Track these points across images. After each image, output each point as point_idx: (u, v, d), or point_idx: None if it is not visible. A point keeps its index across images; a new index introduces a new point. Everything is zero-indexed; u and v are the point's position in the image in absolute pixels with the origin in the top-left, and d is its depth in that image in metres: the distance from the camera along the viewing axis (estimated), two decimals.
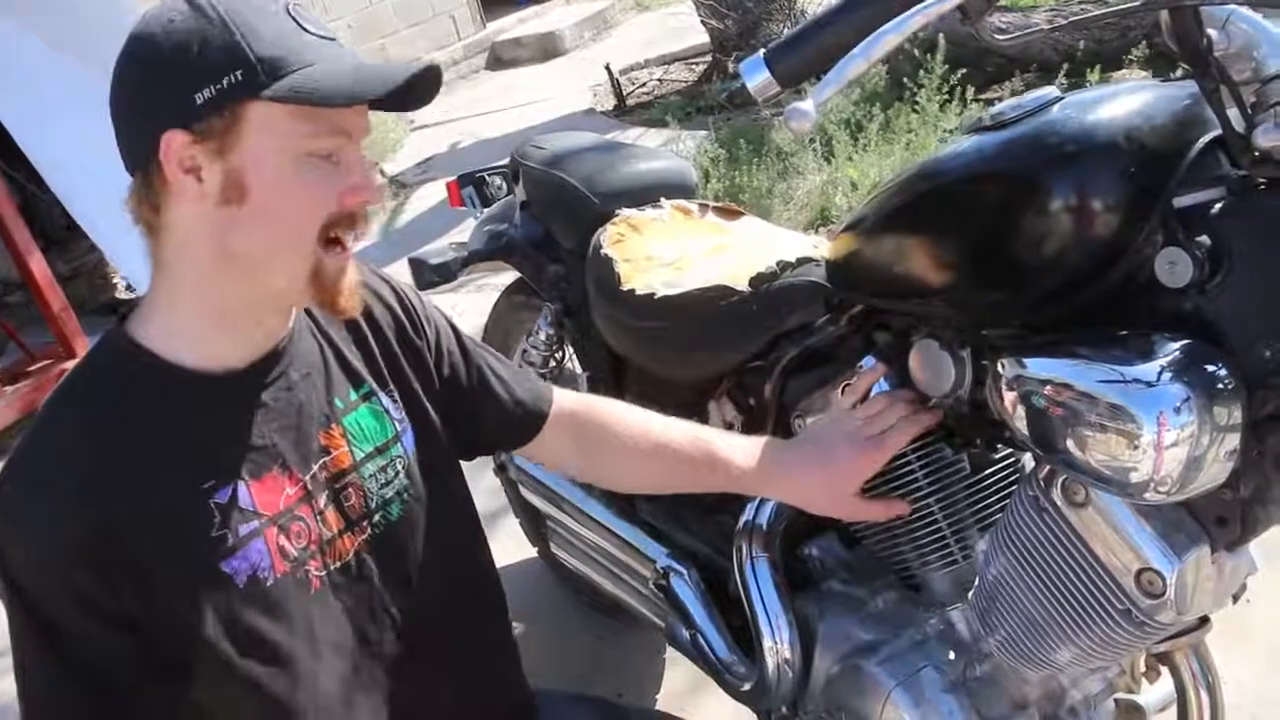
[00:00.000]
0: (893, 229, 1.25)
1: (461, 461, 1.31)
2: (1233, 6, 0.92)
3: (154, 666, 1.00)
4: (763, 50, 0.96)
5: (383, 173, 6.22)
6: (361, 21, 7.47)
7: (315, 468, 1.10)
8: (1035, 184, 1.07)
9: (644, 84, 6.82)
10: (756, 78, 0.96)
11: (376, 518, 1.15)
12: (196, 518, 1.00)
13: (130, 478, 0.98)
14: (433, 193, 5.61)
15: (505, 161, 2.16)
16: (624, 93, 6.55)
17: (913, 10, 0.86)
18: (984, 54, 4.52)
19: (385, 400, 1.18)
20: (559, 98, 6.99)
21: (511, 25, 8.88)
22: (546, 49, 8.39)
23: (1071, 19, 1.11)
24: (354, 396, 1.15)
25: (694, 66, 6.84)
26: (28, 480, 0.98)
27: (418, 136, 6.97)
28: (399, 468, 1.17)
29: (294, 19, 0.98)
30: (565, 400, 1.39)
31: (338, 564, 1.11)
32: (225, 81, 0.94)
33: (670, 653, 2.15)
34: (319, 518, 1.09)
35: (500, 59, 8.57)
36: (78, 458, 0.98)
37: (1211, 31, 0.94)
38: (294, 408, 1.09)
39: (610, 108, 6.54)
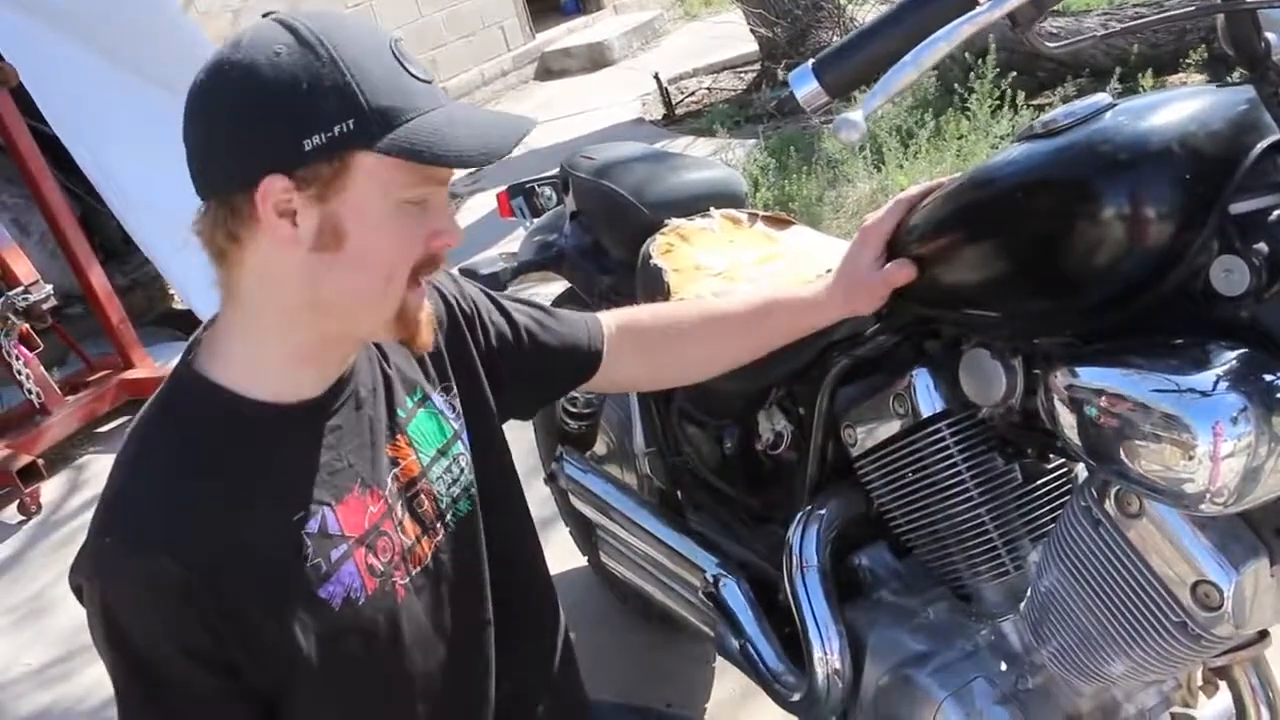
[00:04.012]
0: (943, 237, 1.25)
1: (529, 419, 1.36)
2: None
3: (255, 704, 1.01)
4: (811, 60, 0.96)
5: None
6: (411, 33, 7.54)
7: (390, 481, 1.11)
8: (1088, 191, 1.06)
9: (693, 93, 6.83)
10: (805, 88, 0.97)
11: (448, 517, 1.16)
12: (292, 551, 1.01)
13: (226, 521, 0.98)
14: (483, 203, 5.65)
15: (555, 172, 2.18)
16: (673, 102, 6.56)
17: (962, 19, 0.86)
18: (1035, 59, 4.48)
19: (440, 401, 1.20)
20: (608, 107, 7.02)
21: (561, 36, 8.94)
22: (595, 59, 8.43)
23: (1123, 25, 1.10)
24: (411, 403, 1.16)
25: (743, 75, 6.83)
26: (126, 534, 0.96)
27: None
28: (462, 465, 1.19)
29: (399, 59, 0.95)
30: (610, 322, 1.40)
31: (418, 569, 1.12)
32: (337, 130, 0.91)
33: (719, 662, 2.15)
34: (399, 528, 1.10)
35: (549, 69, 8.63)
36: (174, 507, 0.97)
37: (1270, 35, 0.93)
38: (365, 426, 1.09)
39: (659, 117, 6.56)
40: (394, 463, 1.12)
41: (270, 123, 0.91)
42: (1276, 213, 0.97)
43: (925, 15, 0.90)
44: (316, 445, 1.05)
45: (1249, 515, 1.02)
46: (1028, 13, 0.87)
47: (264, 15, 0.97)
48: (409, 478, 1.13)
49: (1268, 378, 0.94)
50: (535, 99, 8.01)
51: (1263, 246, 0.96)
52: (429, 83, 0.98)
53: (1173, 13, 0.98)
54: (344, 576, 1.03)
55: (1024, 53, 4.16)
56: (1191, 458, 0.94)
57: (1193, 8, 0.91)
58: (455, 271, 2.11)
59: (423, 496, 1.14)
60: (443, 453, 1.18)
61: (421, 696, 1.13)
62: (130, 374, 4.18)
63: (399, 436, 1.13)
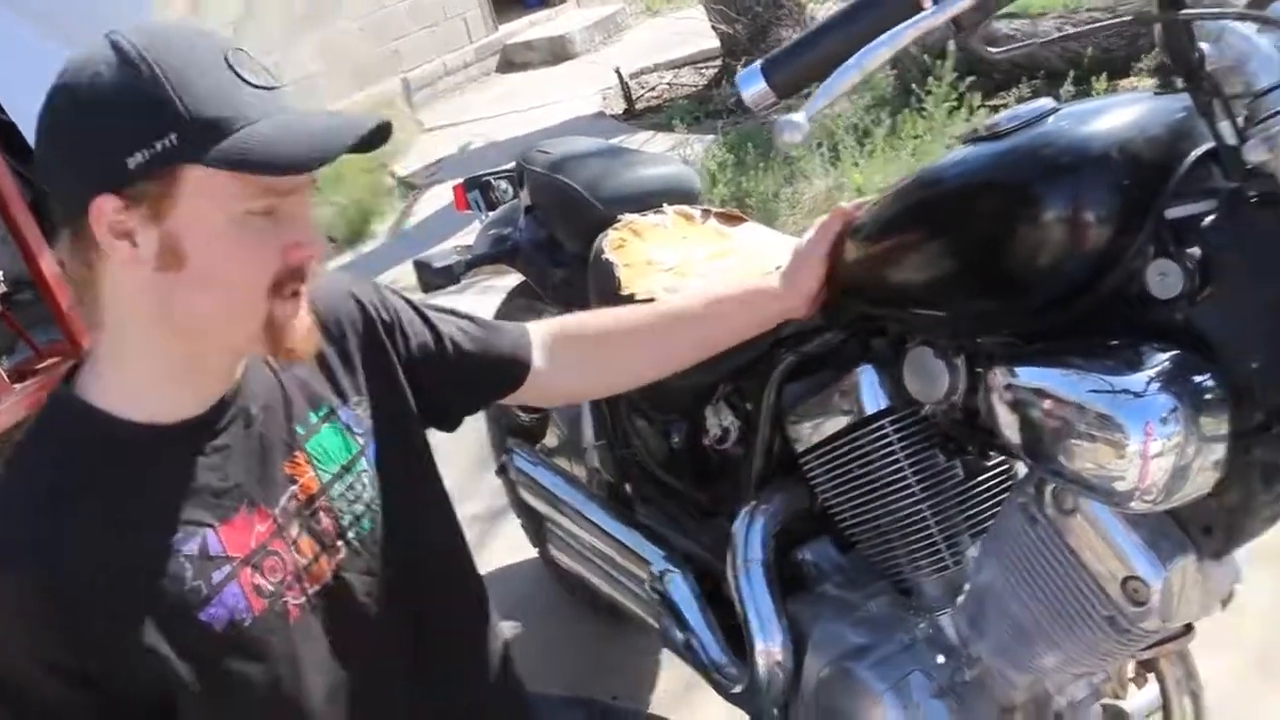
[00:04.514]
0: (890, 237, 1.27)
1: (452, 432, 1.33)
2: (1225, 21, 0.93)
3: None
4: (759, 61, 0.97)
5: (393, 174, 6.24)
6: (373, 24, 7.50)
7: (284, 499, 1.07)
8: (1030, 194, 1.08)
9: (653, 88, 6.84)
10: (753, 88, 0.98)
11: (350, 535, 1.12)
12: (169, 573, 0.98)
13: (99, 541, 0.96)
14: (442, 194, 5.62)
15: (511, 166, 2.18)
16: (633, 96, 6.57)
17: (906, 24, 0.87)
18: (989, 61, 4.53)
19: (348, 415, 1.16)
20: (569, 101, 7.01)
21: (523, 28, 8.91)
22: (557, 52, 8.41)
23: (1063, 33, 1.12)
24: (315, 419, 1.13)
25: (703, 71, 6.85)
26: None
27: (427, 138, 7.00)
28: (365, 482, 1.15)
29: (232, 69, 0.93)
30: (548, 333, 1.38)
31: (316, 588, 1.09)
32: (160, 145, 0.89)
33: (665, 655, 2.16)
34: (293, 547, 1.07)
35: (511, 62, 8.60)
36: (45, 525, 0.95)
37: (1204, 45, 0.95)
38: (255, 443, 1.06)
39: (619, 111, 6.56)
40: (291, 480, 1.09)
41: (93, 143, 0.91)
42: (1210, 218, 0.99)
43: (870, 19, 0.91)
44: (199, 466, 1.02)
45: (1177, 513, 1.04)
46: (971, 18, 0.88)
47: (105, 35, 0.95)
48: (307, 495, 1.10)
49: (1197, 379, 0.96)
50: (496, 91, 7.99)
51: (1196, 251, 0.98)
52: (272, 89, 0.95)
53: (1108, 22, 1.00)
54: (227, 598, 1.00)
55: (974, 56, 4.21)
56: (1123, 456, 0.96)
57: (1129, 18, 0.93)
58: (413, 264, 2.12)
59: (321, 514, 1.10)
60: (346, 469, 1.14)
61: (327, 716, 1.10)
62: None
63: (297, 454, 1.10)
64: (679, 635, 1.63)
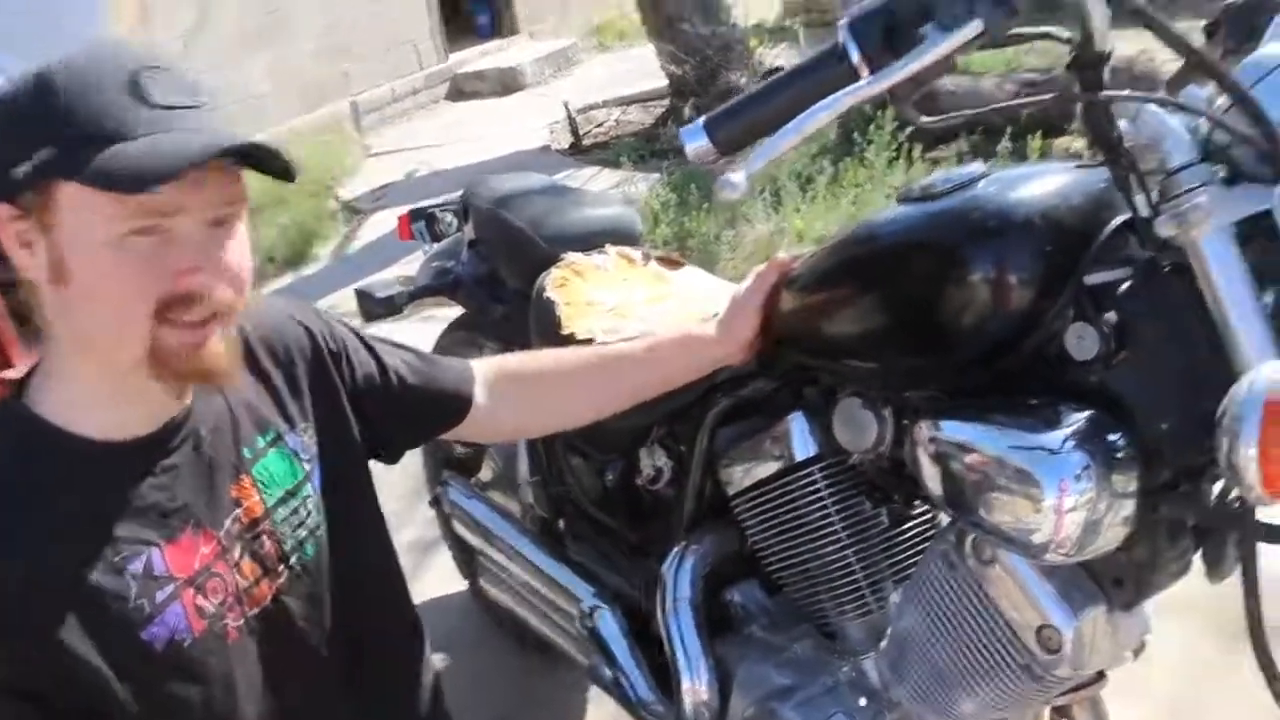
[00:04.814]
0: (824, 290, 1.30)
1: (394, 464, 1.33)
2: (1139, 105, 0.98)
3: None
4: (703, 117, 1.00)
5: (337, 198, 6.22)
6: (325, 46, 7.49)
7: (228, 522, 1.08)
8: (958, 255, 1.12)
9: (601, 123, 6.89)
10: (696, 143, 1.01)
11: (292, 560, 1.13)
12: (113, 590, 0.98)
13: (44, 554, 0.96)
14: (387, 220, 5.61)
15: (456, 198, 2.20)
16: (580, 132, 6.62)
17: (844, 91, 0.91)
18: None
19: (294, 440, 1.17)
20: (516, 133, 7.05)
21: (474, 58, 8.95)
22: (507, 83, 8.47)
23: (990, 106, 1.17)
24: (262, 443, 1.14)
25: (651, 109, 6.92)
26: None
27: (374, 163, 6.99)
28: (310, 507, 1.16)
29: (137, 88, 0.93)
30: (490, 371, 1.40)
31: (255, 610, 1.09)
32: (36, 158, 0.90)
33: (593, 691, 2.17)
34: (235, 570, 1.07)
35: (461, 91, 8.64)
36: None
37: (1122, 123, 1.00)
38: (204, 465, 1.07)
39: (566, 146, 6.60)
40: (236, 503, 1.09)
41: None
42: (1125, 285, 1.04)
43: (810, 85, 0.95)
44: (148, 485, 1.02)
45: (1090, 565, 1.08)
46: (905, 89, 0.92)
47: None
48: (251, 519, 1.10)
49: (1110, 439, 1.00)
50: (444, 119, 8.01)
51: (1112, 316, 1.03)
52: (183, 108, 0.94)
53: (1036, 99, 1.05)
54: (169, 618, 1.01)
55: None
56: (1039, 510, 1.00)
57: (1053, 95, 0.98)
58: (354, 292, 2.12)
59: (265, 538, 1.11)
60: (291, 494, 1.15)
61: None
62: (8, 373, 4.05)
63: (244, 477, 1.11)
64: (607, 672, 1.65)
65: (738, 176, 0.91)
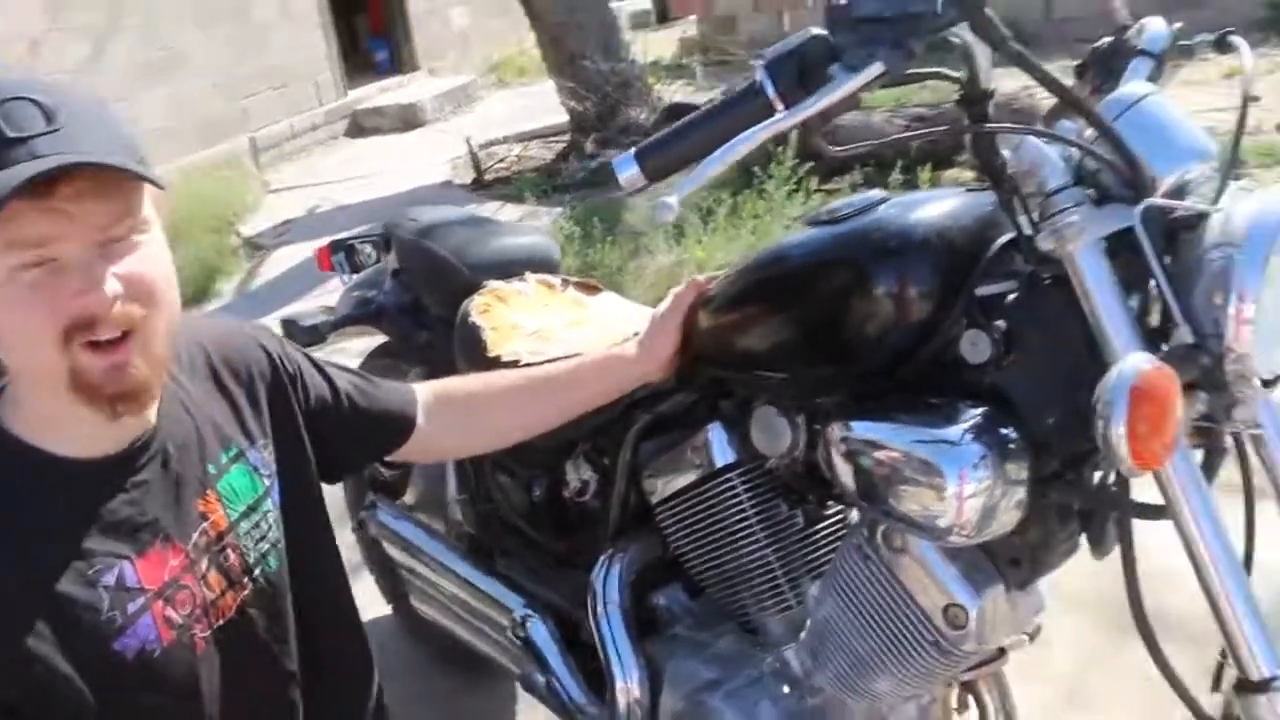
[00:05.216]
0: (738, 308, 1.40)
1: (334, 484, 1.38)
2: (1021, 137, 1.10)
3: None
4: (634, 148, 1.10)
5: (238, 234, 6.18)
6: (223, 82, 7.45)
7: (195, 535, 1.12)
8: (862, 272, 1.23)
9: (503, 159, 6.98)
10: (627, 171, 1.11)
11: (256, 572, 1.18)
12: (86, 602, 1.01)
13: (16, 569, 0.99)
14: (289, 256, 5.61)
15: (374, 229, 2.26)
16: (482, 167, 6.69)
17: (761, 125, 1.02)
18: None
19: (255, 457, 1.22)
20: (418, 168, 7.11)
21: (373, 94, 8.99)
22: (407, 119, 8.51)
23: (891, 137, 1.30)
24: (225, 459, 1.18)
25: (552, 145, 7.03)
26: None
27: (275, 199, 6.97)
28: (270, 522, 1.21)
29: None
30: (428, 394, 1.47)
31: (221, 621, 1.13)
32: None
33: (522, 704, 2.24)
34: (202, 582, 1.12)
35: (361, 126, 8.66)
36: None
37: (1006, 152, 1.12)
38: (172, 480, 1.11)
39: (468, 181, 6.67)
40: (203, 517, 1.13)
41: None
42: (1012, 296, 1.16)
43: (730, 119, 1.05)
44: (119, 500, 1.06)
45: (988, 547, 1.20)
46: (815, 123, 1.03)
47: None
48: (217, 532, 1.14)
49: (1003, 432, 1.12)
50: (344, 154, 8.02)
51: (1001, 323, 1.14)
52: (40, 135, 0.93)
53: (929, 130, 1.18)
54: (140, 629, 1.05)
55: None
56: (942, 498, 1.11)
57: (945, 128, 1.10)
58: (278, 330, 2.16)
59: (229, 551, 1.15)
60: (252, 509, 1.19)
61: None
62: None
63: (209, 492, 1.15)
64: (540, 678, 1.71)
65: (672, 199, 1.01)
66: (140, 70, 6.83)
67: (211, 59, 7.45)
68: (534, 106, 7.95)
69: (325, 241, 2.41)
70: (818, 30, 1.04)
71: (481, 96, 9.35)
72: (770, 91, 1.04)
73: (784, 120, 1.02)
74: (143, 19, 6.96)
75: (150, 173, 0.99)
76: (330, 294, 3.88)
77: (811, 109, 1.01)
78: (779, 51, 1.05)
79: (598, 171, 6.04)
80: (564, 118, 6.88)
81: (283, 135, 7.98)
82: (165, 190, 1.03)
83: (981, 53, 1.07)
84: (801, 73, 1.03)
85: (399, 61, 9.57)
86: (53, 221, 0.93)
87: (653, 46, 9.25)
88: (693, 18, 10.41)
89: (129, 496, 1.07)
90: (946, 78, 1.12)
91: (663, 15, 11.68)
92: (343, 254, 2.36)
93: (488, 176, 6.65)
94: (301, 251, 4.76)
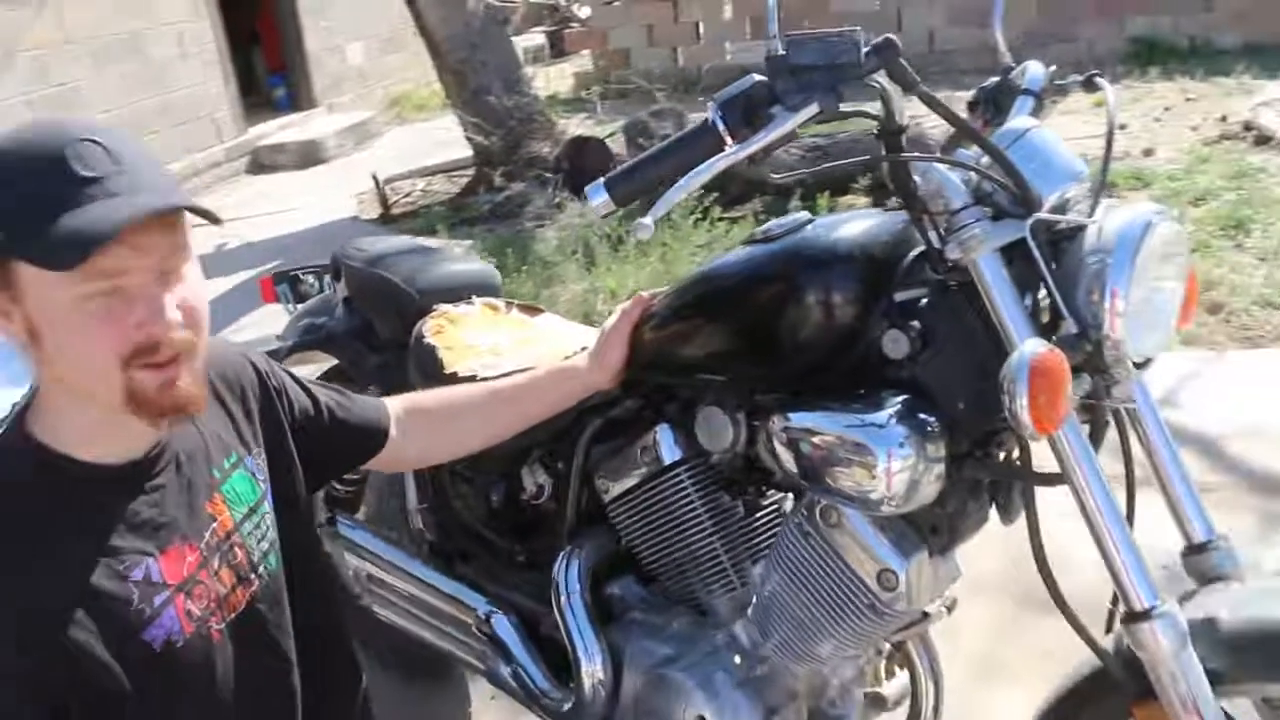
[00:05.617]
0: (682, 320, 1.56)
1: (314, 493, 1.50)
2: (929, 164, 1.29)
3: None
4: (604, 178, 1.26)
5: None
6: (123, 120, 7.38)
7: (207, 534, 1.22)
8: (794, 284, 1.40)
9: (408, 193, 7.04)
10: (598, 198, 1.27)
11: (260, 569, 1.28)
12: (120, 596, 1.11)
13: (59, 569, 1.08)
14: (212, 287, 5.59)
15: (323, 262, 2.38)
16: (389, 201, 6.76)
17: (718, 157, 1.19)
18: (729, 179, 5.05)
19: (251, 463, 1.34)
20: (323, 204, 7.12)
21: (273, 131, 8.96)
22: (308, 155, 8.52)
23: (827, 165, 1.49)
24: (227, 465, 1.29)
25: (456, 179, 7.11)
26: None
27: None
28: (268, 523, 1.33)
29: (67, 164, 1.01)
30: (396, 405, 1.60)
31: (233, 615, 1.23)
32: None
33: (477, 704, 2.36)
34: (215, 577, 1.22)
35: (262, 164, 8.63)
36: (6, 556, 1.07)
37: (916, 178, 1.30)
38: (185, 484, 1.22)
39: (375, 215, 6.72)
40: (212, 518, 1.24)
41: None
42: (925, 300, 1.34)
43: (688, 152, 1.22)
44: (143, 501, 1.16)
45: (912, 518, 1.38)
46: (759, 155, 1.21)
47: None
48: (225, 531, 1.25)
49: (923, 417, 1.30)
50: (247, 192, 8.00)
51: (917, 324, 1.32)
52: (105, 176, 1.02)
53: (855, 160, 1.37)
54: (165, 621, 1.14)
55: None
56: (873, 474, 1.29)
57: (867, 158, 1.28)
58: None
59: (236, 550, 1.26)
60: (253, 510, 1.30)
61: None
62: None
63: (216, 495, 1.25)
64: (505, 669, 1.84)
65: (648, 220, 1.18)
66: (33, 108, 6.76)
67: (106, 96, 7.38)
68: (435, 141, 8.03)
69: (267, 272, 2.52)
70: (759, 76, 1.22)
71: (382, 132, 9.40)
72: (721, 128, 1.22)
73: (734, 154, 1.20)
74: (33, 56, 6.90)
75: (206, 209, 1.12)
76: (240, 330, 3.99)
77: (758, 144, 1.19)
78: (728, 94, 1.22)
79: (505, 204, 6.18)
80: (466, 152, 6.94)
81: (184, 172, 7.91)
82: (221, 224, 1.17)
83: (895, 94, 1.26)
84: (747, 112, 1.21)
85: (298, 99, 9.57)
86: (122, 256, 1.02)
87: (550, 81, 9.45)
88: (586, 53, 10.61)
89: (149, 499, 1.18)
90: (868, 115, 1.30)
91: (557, 50, 11.87)
92: (286, 284, 2.47)
93: (395, 211, 6.72)
94: (214, 288, 4.80)
